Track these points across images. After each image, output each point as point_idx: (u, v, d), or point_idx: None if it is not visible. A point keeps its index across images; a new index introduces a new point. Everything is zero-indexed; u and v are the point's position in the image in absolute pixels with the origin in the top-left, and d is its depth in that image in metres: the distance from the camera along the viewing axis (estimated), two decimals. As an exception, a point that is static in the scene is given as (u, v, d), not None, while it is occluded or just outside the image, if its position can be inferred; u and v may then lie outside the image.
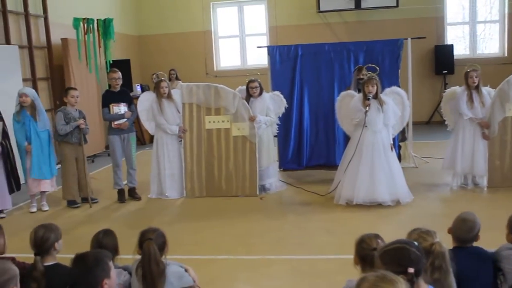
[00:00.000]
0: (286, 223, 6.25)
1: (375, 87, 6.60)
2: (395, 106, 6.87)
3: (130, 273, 3.54)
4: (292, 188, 7.88)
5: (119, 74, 7.65)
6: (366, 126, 6.66)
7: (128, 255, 3.46)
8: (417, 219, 6.07)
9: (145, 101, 7.74)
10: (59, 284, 3.08)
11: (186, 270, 3.68)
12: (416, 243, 2.63)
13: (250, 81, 7.62)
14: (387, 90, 7.03)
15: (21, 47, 9.64)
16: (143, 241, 3.34)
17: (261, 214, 6.66)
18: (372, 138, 6.68)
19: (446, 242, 2.97)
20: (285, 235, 5.81)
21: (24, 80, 9.44)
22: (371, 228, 5.87)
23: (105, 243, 3.52)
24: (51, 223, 3.57)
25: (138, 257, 3.35)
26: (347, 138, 7.68)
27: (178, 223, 6.52)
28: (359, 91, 7.17)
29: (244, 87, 7.72)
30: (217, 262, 5.14)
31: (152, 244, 3.29)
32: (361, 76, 7.68)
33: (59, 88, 10.26)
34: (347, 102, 7.04)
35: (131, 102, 7.74)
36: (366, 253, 3.00)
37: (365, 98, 6.64)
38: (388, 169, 6.68)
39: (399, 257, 2.51)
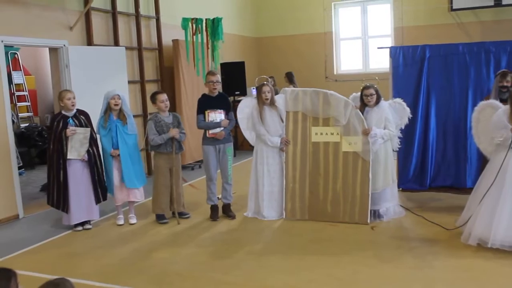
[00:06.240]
0: (400, 269, 4.63)
1: (529, 99, 4.79)
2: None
3: None
4: (411, 215, 6.21)
5: (218, 77, 6.47)
6: (511, 148, 4.90)
7: None
8: None
9: (245, 107, 6.50)
10: None
11: None
12: None
13: (365, 88, 6.08)
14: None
15: (130, 48, 8.87)
16: None
17: (371, 251, 5.09)
18: (519, 164, 4.89)
19: None
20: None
21: (130, 82, 8.65)
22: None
23: None
24: (63, 279, 2.46)
25: None
26: (482, 158, 5.92)
27: (271, 255, 5.13)
28: (501, 102, 5.39)
29: (358, 94, 6.23)
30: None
31: None
32: (505, 84, 5.84)
33: (169, 91, 9.37)
34: (488, 115, 5.25)
35: (229, 108, 6.51)
36: None
37: (513, 112, 4.87)
38: (539, 206, 4.82)
39: None
